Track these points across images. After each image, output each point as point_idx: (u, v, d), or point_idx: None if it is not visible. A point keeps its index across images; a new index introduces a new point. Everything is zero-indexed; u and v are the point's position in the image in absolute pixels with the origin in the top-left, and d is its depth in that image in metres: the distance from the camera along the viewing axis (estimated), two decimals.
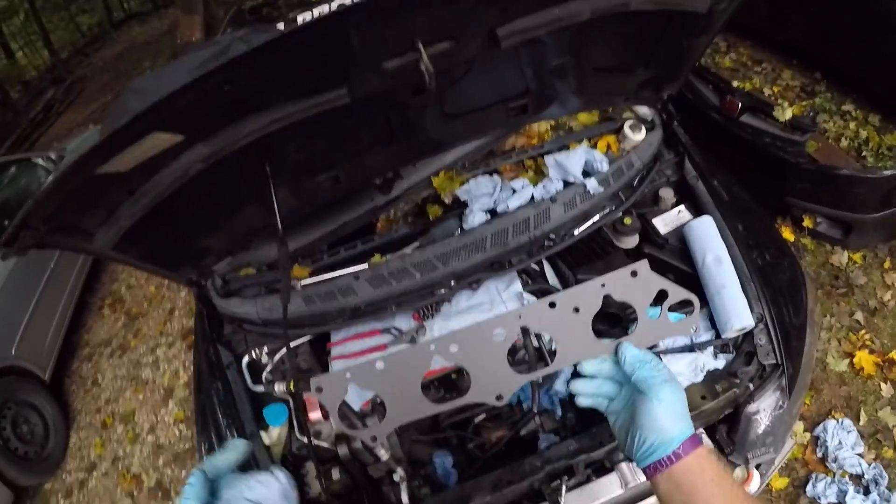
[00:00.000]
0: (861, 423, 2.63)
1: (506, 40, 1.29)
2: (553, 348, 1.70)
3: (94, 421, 4.23)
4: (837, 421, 2.62)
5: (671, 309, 0.97)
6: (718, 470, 0.84)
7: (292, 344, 1.83)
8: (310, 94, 1.27)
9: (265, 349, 1.90)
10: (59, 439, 4.09)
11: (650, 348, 1.63)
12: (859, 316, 2.99)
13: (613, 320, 1.66)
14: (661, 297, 0.97)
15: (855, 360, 2.82)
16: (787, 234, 3.32)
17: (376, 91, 1.30)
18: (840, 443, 2.55)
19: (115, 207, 1.38)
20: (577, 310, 0.96)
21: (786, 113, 3.03)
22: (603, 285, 0.96)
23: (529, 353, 1.62)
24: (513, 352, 1.71)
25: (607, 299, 0.96)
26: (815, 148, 3.13)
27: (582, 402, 0.98)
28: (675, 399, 0.85)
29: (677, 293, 0.97)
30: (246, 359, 1.91)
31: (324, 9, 1.10)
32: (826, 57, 4.21)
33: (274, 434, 1.74)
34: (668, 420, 0.84)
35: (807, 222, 3.26)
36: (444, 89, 1.54)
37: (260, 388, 1.84)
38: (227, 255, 1.88)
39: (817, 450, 2.60)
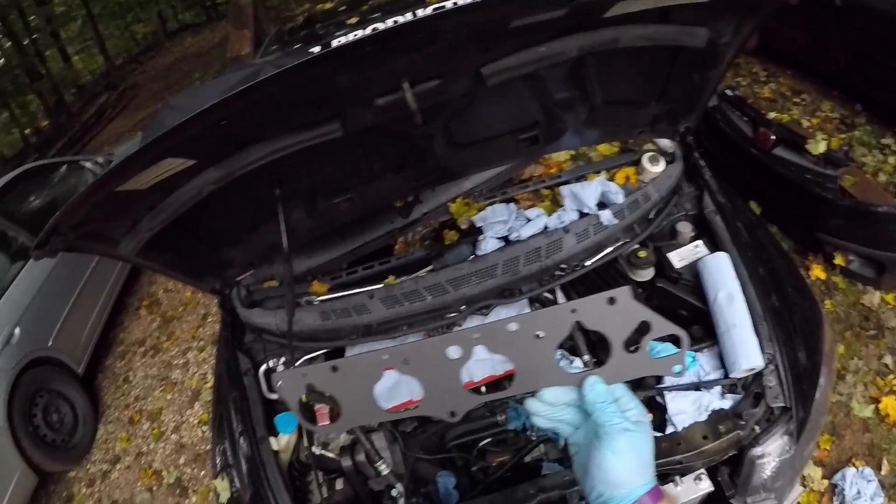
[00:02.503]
0: (883, 472, 2.53)
1: (491, 78, 1.33)
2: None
3: (122, 416, 4.38)
4: (857, 469, 2.53)
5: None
6: None
7: (307, 357, 1.91)
8: (304, 127, 1.34)
9: (282, 359, 1.96)
10: (87, 430, 4.25)
11: (656, 381, 1.65)
12: (889, 360, 2.87)
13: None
14: (642, 330, 0.88)
15: (881, 406, 2.71)
16: (818, 271, 3.24)
17: (371, 125, 1.36)
18: (859, 492, 2.45)
19: (137, 220, 1.48)
20: (540, 335, 0.89)
21: (819, 146, 2.97)
22: (573, 311, 0.87)
23: None
24: None
25: (579, 327, 0.88)
26: (852, 183, 3.05)
27: (538, 422, 0.90)
28: (632, 451, 0.77)
29: (663, 327, 0.87)
30: (263, 367, 1.98)
31: (357, 33, 1.16)
32: (866, 89, 4.13)
33: (283, 441, 1.80)
34: (621, 474, 0.76)
35: (838, 260, 3.17)
36: (448, 120, 1.58)
37: (274, 396, 1.91)
38: (250, 268, 1.96)
39: (834, 498, 2.50)
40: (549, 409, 0.88)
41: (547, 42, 1.34)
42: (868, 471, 2.51)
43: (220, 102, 1.09)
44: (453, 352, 0.92)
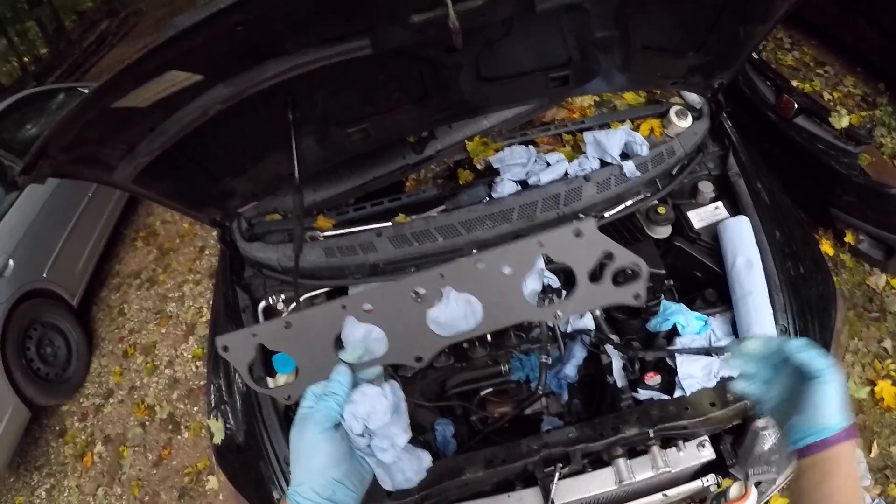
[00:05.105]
0: (872, 455, 2.54)
1: (541, 3, 1.23)
2: (569, 329, 1.67)
3: (116, 349, 4.36)
4: None
5: (619, 274, 0.94)
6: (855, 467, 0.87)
7: (309, 295, 1.86)
8: (330, 42, 1.24)
9: (282, 296, 1.92)
10: (81, 364, 4.23)
11: (668, 343, 1.62)
12: (888, 344, 2.85)
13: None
14: (606, 261, 0.93)
15: (876, 389, 2.70)
16: (827, 247, 3.19)
17: (403, 45, 1.26)
18: None
19: (134, 142, 1.38)
20: (508, 270, 0.91)
21: (842, 121, 2.90)
22: (540, 244, 0.90)
23: (543, 332, 1.60)
24: (526, 330, 1.70)
25: (545, 260, 0.93)
26: (869, 162, 2.99)
27: (738, 386, 0.99)
28: (841, 386, 0.87)
29: (624, 256, 0.92)
30: (263, 304, 1.93)
31: None
32: (891, 69, 4.01)
33: (280, 381, 1.76)
34: (834, 407, 0.86)
35: (849, 238, 3.13)
36: (479, 50, 1.50)
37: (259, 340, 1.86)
38: (254, 199, 1.88)
39: None
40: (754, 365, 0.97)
41: None
42: (858, 452, 2.51)
43: (238, 3, 0.99)
44: (419, 295, 0.92)
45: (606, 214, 1.76)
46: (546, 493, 1.42)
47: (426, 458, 0.92)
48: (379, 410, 0.85)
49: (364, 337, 0.99)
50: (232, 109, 1.34)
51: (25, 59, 11.89)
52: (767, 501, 2.34)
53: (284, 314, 1.89)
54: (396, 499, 1.45)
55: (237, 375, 1.80)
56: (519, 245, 0.91)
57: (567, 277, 1.65)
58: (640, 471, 1.45)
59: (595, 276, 0.94)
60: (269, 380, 1.76)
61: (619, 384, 1.61)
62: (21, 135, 4.60)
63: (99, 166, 1.42)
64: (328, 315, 0.92)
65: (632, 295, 0.94)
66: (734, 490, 1.60)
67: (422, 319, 0.93)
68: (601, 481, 1.47)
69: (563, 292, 1.67)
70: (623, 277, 0.96)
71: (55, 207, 4.38)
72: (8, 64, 12.17)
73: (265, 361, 1.78)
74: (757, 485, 1.64)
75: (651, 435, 1.46)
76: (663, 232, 1.84)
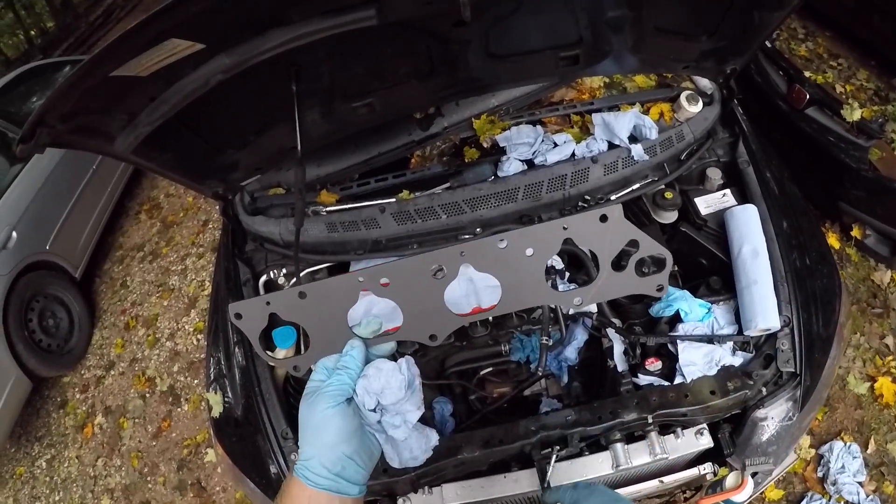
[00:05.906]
0: (868, 451, 2.55)
1: None
2: (570, 311, 1.66)
3: (118, 322, 4.39)
4: (845, 444, 2.54)
5: (642, 264, 0.94)
6: None
7: (310, 269, 1.85)
8: (334, 12, 1.21)
9: (283, 270, 1.91)
10: (83, 336, 4.27)
11: (670, 329, 1.61)
12: (890, 340, 2.85)
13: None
14: (630, 249, 0.92)
15: (876, 385, 2.71)
16: (833, 240, 3.18)
17: (410, 16, 1.24)
18: (843, 467, 2.47)
19: (135, 112, 1.36)
20: (530, 252, 0.89)
21: (854, 114, 2.88)
22: (565, 228, 0.88)
23: (544, 314, 1.60)
24: (528, 311, 1.69)
25: (568, 244, 0.90)
26: (879, 157, 2.96)
27: None
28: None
29: (649, 246, 0.90)
30: (264, 278, 1.93)
31: None
32: None
33: (280, 355, 1.76)
34: None
35: (855, 232, 3.11)
36: (489, 26, 1.47)
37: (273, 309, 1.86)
38: (257, 172, 1.88)
39: (819, 469, 2.53)
40: None
41: None
42: (855, 447, 2.53)
43: None
44: (437, 272, 0.91)
45: (613, 197, 1.75)
46: (542, 475, 1.42)
47: (433, 437, 0.92)
48: (394, 386, 0.85)
49: (379, 312, 0.98)
50: (234, 80, 1.32)
51: (32, 32, 11.82)
52: (763, 492, 2.37)
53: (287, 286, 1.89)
54: (393, 475, 1.45)
55: (237, 349, 1.80)
56: (543, 227, 0.90)
57: (587, 263, 1.66)
58: (638, 456, 1.45)
59: (618, 264, 0.92)
60: (270, 354, 1.76)
61: (620, 368, 1.60)
62: (27, 107, 4.59)
63: (99, 136, 1.40)
64: (344, 287, 0.91)
65: (655, 286, 0.93)
66: (730, 480, 1.61)
67: (439, 297, 0.92)
68: (598, 465, 1.47)
69: (584, 278, 1.67)
70: (646, 267, 0.94)
71: (59, 180, 4.39)
72: (14, 37, 12.10)
73: (266, 335, 1.79)
74: (753, 475, 1.64)
75: (650, 421, 1.46)
76: (669, 217, 1.83)
